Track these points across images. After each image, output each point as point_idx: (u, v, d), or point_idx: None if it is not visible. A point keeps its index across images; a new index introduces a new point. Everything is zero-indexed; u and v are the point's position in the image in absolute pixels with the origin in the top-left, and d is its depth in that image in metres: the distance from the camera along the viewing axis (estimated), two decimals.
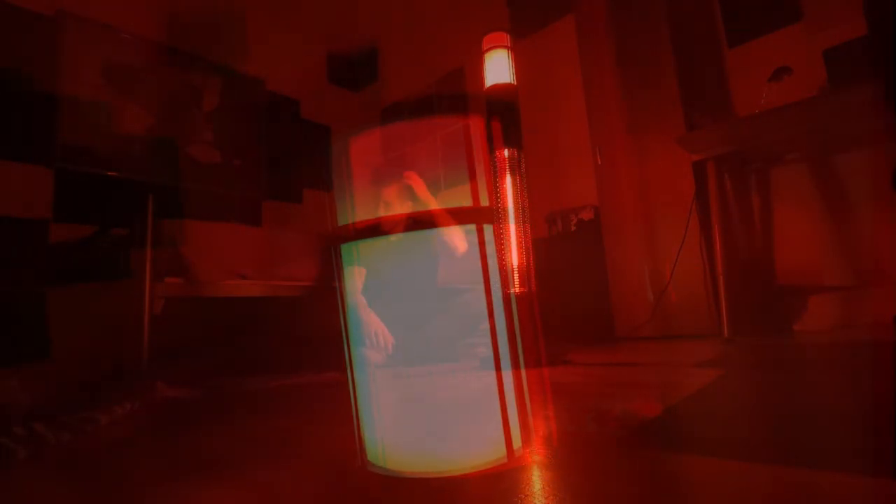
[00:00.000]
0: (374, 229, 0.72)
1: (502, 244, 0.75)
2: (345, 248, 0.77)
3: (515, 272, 0.82)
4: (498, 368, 0.70)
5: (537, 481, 0.64)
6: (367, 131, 0.85)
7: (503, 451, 0.70)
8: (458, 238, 0.78)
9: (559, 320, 2.58)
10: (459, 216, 0.71)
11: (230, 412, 1.46)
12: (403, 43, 4.13)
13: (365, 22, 4.13)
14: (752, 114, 1.98)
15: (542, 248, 2.88)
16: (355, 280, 0.84)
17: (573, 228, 2.83)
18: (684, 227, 2.29)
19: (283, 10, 3.81)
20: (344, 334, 0.78)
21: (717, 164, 2.07)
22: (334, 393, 1.63)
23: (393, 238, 0.72)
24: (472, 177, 0.71)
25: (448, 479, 0.68)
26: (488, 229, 0.71)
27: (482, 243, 0.69)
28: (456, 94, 3.71)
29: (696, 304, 2.29)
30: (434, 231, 0.73)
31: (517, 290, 0.76)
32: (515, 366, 0.74)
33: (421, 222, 0.70)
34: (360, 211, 0.77)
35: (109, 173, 2.74)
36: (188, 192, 3.09)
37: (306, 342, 2.39)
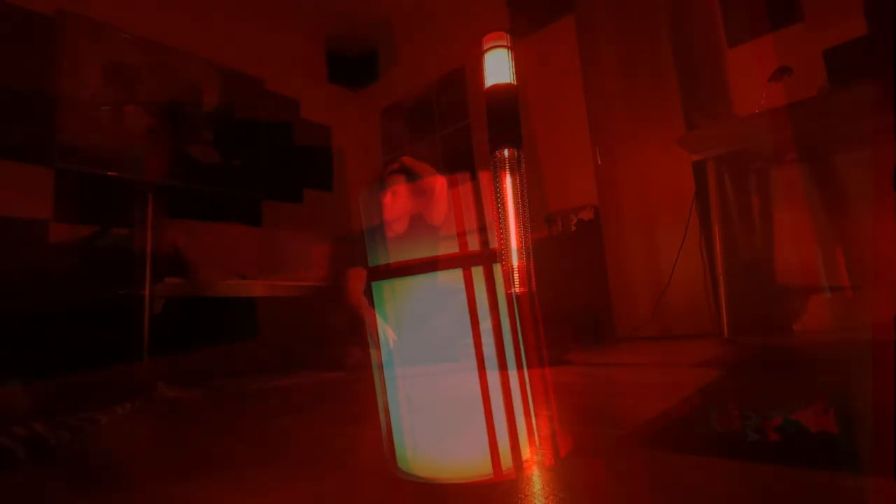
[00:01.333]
0: (405, 269, 0.75)
1: (503, 251, 0.76)
2: (380, 287, 0.79)
3: (515, 272, 0.82)
4: (505, 379, 0.71)
5: (537, 481, 0.64)
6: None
7: (508, 461, 0.70)
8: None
9: (559, 320, 2.58)
10: (469, 260, 0.75)
11: (231, 412, 1.46)
12: (403, 43, 4.13)
13: (365, 22, 4.13)
14: (752, 114, 1.98)
15: (542, 248, 2.88)
16: (355, 282, 0.85)
17: (573, 228, 2.83)
18: (684, 227, 2.29)
19: (284, 10, 3.81)
20: (373, 349, 0.79)
21: (717, 164, 2.07)
22: (335, 393, 1.63)
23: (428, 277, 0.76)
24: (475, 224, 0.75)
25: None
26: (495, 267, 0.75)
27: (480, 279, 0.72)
28: (456, 95, 3.71)
29: (696, 304, 2.29)
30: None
31: (517, 290, 0.76)
32: (520, 373, 0.74)
33: (439, 263, 0.74)
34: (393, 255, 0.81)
35: (109, 173, 2.74)
36: (188, 192, 3.09)
37: (306, 342, 2.39)
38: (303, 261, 2.92)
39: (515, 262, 0.76)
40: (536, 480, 0.64)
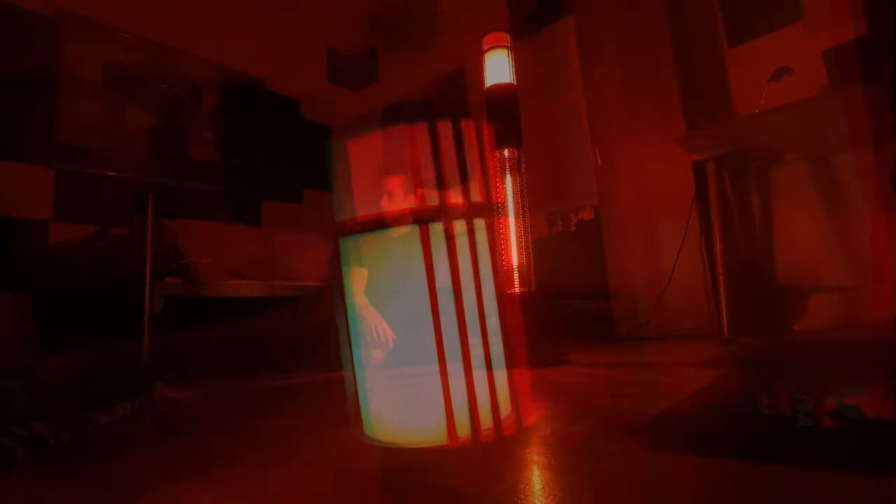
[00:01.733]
0: (377, 223, 0.76)
1: (501, 242, 0.76)
2: (346, 244, 0.79)
3: (515, 272, 0.82)
4: (488, 359, 0.72)
5: (537, 481, 0.64)
6: (368, 133, 0.86)
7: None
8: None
9: (559, 320, 2.58)
10: (457, 212, 0.74)
11: (231, 412, 1.45)
12: (403, 43, 4.12)
13: (365, 22, 4.13)
14: (752, 114, 1.98)
15: (542, 248, 2.88)
16: (358, 281, 0.85)
17: (573, 228, 2.83)
18: (684, 227, 2.29)
19: (284, 10, 3.81)
20: (343, 326, 0.80)
21: (717, 164, 2.06)
22: (336, 393, 1.63)
23: (394, 234, 0.75)
24: (465, 175, 0.74)
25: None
26: (480, 226, 0.75)
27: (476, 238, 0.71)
28: (456, 95, 3.71)
29: (696, 304, 2.29)
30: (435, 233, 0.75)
31: (517, 289, 0.76)
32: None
33: (423, 217, 0.73)
34: (360, 208, 0.79)
35: (109, 173, 2.74)
36: (188, 192, 3.09)
37: (306, 342, 2.39)
38: (303, 261, 2.92)
39: (516, 262, 0.76)
40: (536, 480, 0.64)
